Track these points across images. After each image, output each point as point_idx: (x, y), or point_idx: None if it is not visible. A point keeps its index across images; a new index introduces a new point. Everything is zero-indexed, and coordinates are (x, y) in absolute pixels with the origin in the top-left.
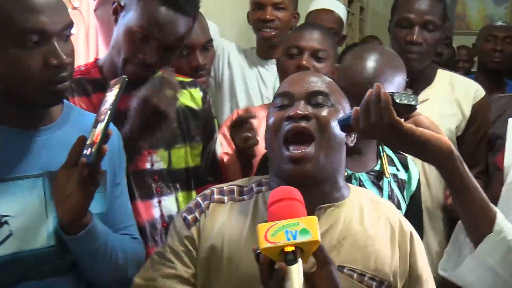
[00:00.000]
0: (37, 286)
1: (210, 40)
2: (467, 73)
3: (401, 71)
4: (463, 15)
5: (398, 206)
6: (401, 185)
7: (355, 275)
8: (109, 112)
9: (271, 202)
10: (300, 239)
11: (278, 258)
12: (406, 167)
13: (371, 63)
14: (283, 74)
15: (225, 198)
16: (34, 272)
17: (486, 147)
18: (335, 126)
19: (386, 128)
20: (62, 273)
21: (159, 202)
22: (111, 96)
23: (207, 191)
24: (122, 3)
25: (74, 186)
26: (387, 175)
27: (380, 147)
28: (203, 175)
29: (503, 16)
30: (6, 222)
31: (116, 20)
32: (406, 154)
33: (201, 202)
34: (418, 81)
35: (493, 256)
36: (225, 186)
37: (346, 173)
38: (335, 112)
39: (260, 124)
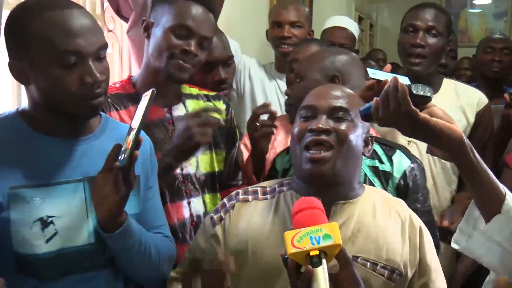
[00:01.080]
0: (79, 279)
1: (231, 56)
2: (469, 81)
3: None
4: (465, 29)
5: None
6: (384, 176)
7: (369, 264)
8: (140, 121)
9: (295, 212)
10: (324, 243)
11: (304, 261)
12: (390, 159)
13: None
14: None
15: (250, 197)
16: (77, 266)
17: (491, 150)
18: (353, 140)
19: (404, 117)
20: (101, 267)
21: (189, 203)
22: (142, 107)
23: (233, 193)
24: (152, 20)
25: (110, 189)
26: None
27: None
28: (227, 179)
29: (502, 30)
30: (52, 222)
31: (148, 36)
32: (396, 148)
33: (226, 203)
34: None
35: (501, 233)
36: (250, 187)
37: None
38: (354, 127)
39: (277, 133)
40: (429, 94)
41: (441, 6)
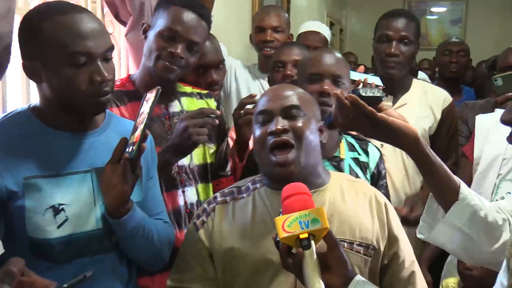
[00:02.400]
0: (88, 262)
1: (223, 60)
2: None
3: None
4: (425, 34)
5: None
6: (363, 166)
7: (346, 244)
8: (146, 117)
9: (284, 197)
10: (312, 227)
11: (294, 244)
12: (366, 152)
13: None
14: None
15: (227, 198)
16: (86, 250)
17: (456, 143)
18: (310, 133)
19: (363, 119)
20: (108, 251)
21: (183, 192)
22: (147, 104)
23: (211, 197)
24: (150, 24)
25: (118, 178)
26: (341, 156)
27: (339, 137)
28: (217, 170)
29: (458, 34)
30: (62, 209)
31: (146, 37)
32: (367, 141)
33: (206, 207)
34: (397, 88)
35: (460, 219)
36: (226, 189)
37: None
38: (308, 121)
39: None
40: (378, 94)
41: (410, 12)
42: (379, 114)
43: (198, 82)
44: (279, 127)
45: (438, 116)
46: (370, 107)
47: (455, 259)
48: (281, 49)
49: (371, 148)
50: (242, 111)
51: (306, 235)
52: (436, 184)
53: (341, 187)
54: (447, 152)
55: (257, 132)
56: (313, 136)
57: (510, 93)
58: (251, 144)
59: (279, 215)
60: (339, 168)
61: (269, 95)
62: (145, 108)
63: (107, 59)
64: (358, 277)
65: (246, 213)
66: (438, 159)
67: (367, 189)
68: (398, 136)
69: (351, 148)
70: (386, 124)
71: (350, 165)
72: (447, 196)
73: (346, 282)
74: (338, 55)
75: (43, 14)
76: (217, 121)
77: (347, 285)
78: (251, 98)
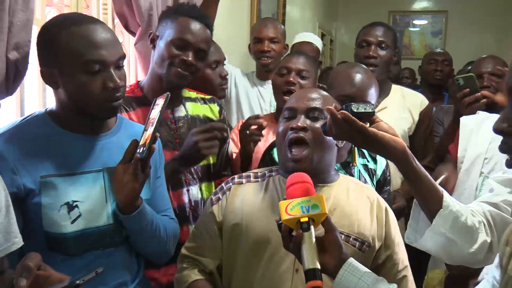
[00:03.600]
0: (100, 255)
1: (225, 58)
2: (408, 86)
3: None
4: (408, 45)
5: None
6: (371, 173)
7: (343, 236)
8: (156, 120)
9: (288, 185)
10: (312, 212)
11: (295, 227)
12: (374, 159)
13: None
14: (275, 88)
15: (243, 180)
16: (98, 244)
17: (432, 143)
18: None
19: (355, 133)
20: (118, 244)
21: (188, 190)
22: (157, 108)
23: (230, 178)
24: (157, 33)
25: (129, 177)
26: (354, 163)
27: (352, 145)
28: (219, 170)
29: (438, 45)
30: (76, 206)
31: (153, 47)
32: None
33: (223, 186)
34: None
35: (444, 225)
36: (244, 173)
37: None
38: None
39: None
40: (370, 110)
41: (388, 24)
42: (370, 129)
43: (212, 78)
44: (299, 124)
45: (416, 118)
46: (361, 123)
47: None
48: (291, 56)
49: (379, 157)
50: (247, 131)
51: (306, 219)
52: (421, 192)
53: (347, 188)
54: (424, 151)
55: (281, 126)
56: (330, 139)
57: (467, 90)
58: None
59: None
60: (349, 173)
61: (298, 95)
62: (155, 112)
63: (119, 66)
64: (351, 259)
65: (257, 194)
66: (424, 171)
67: (371, 194)
68: (387, 150)
69: (362, 155)
70: (376, 138)
71: (359, 171)
72: (432, 204)
73: (339, 263)
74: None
75: (60, 25)
76: (225, 134)
77: (340, 266)
78: (256, 120)
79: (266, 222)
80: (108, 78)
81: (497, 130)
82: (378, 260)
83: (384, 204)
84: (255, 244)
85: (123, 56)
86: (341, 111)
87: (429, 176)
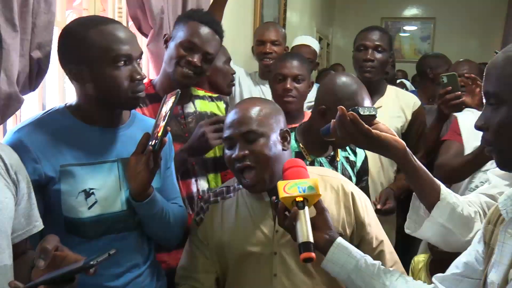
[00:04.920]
0: (114, 238)
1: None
2: (401, 87)
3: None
4: (399, 49)
5: (350, 179)
6: (352, 164)
7: None
8: (168, 115)
9: (285, 168)
10: (308, 192)
11: (290, 205)
12: (354, 152)
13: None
14: (275, 95)
15: (218, 198)
16: (112, 228)
17: (424, 140)
18: (269, 150)
19: (360, 136)
20: (131, 229)
21: (196, 180)
22: (168, 104)
23: (206, 196)
24: (171, 35)
25: (142, 167)
26: (337, 158)
27: None
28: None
29: (427, 49)
30: (93, 193)
31: (166, 47)
32: None
33: (203, 206)
34: (373, 93)
35: (442, 216)
36: (217, 189)
37: (310, 158)
38: (267, 139)
39: None
40: (374, 113)
41: (383, 28)
42: (374, 131)
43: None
44: (239, 154)
45: (409, 117)
46: (366, 126)
47: None
48: (284, 62)
49: (359, 149)
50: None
51: (301, 199)
52: (420, 187)
53: None
54: (416, 148)
55: (226, 154)
56: (273, 151)
57: (450, 87)
58: None
59: (269, 199)
60: (334, 167)
61: (231, 121)
62: (166, 107)
63: (139, 61)
64: (340, 239)
65: (231, 211)
66: (422, 167)
67: (334, 182)
68: (389, 150)
69: (343, 148)
70: (379, 140)
71: (342, 163)
72: (430, 197)
73: (330, 241)
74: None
75: (88, 25)
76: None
77: (331, 244)
78: None
79: (243, 236)
80: (134, 71)
81: (476, 126)
82: (353, 242)
83: (349, 188)
84: (238, 257)
85: (141, 52)
86: (351, 112)
87: (426, 170)
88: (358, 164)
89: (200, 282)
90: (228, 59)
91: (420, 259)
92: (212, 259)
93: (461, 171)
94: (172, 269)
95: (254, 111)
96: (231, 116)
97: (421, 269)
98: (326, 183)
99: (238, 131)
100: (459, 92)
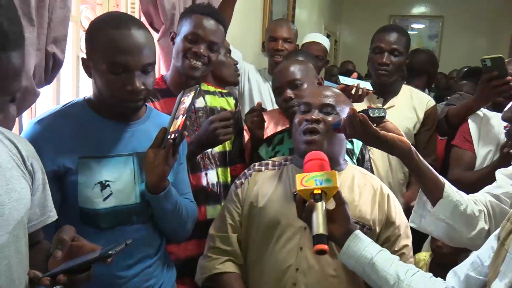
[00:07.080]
0: (128, 230)
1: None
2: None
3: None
4: None
5: None
6: (350, 153)
7: None
8: (187, 109)
9: (306, 161)
10: (325, 185)
11: (308, 197)
12: (351, 141)
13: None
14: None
15: (263, 168)
16: (126, 220)
17: (434, 141)
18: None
19: (368, 135)
20: (144, 221)
21: (206, 174)
22: (188, 99)
23: (252, 165)
24: (176, 32)
25: (159, 160)
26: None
27: None
28: (234, 157)
29: (434, 48)
30: (108, 185)
31: (173, 44)
32: None
33: (246, 172)
34: (387, 92)
35: (444, 212)
36: (264, 161)
37: None
38: (338, 118)
39: (268, 123)
40: (383, 114)
41: (402, 28)
42: (381, 132)
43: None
44: (313, 116)
45: (421, 117)
46: (375, 127)
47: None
48: (287, 67)
49: (355, 140)
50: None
51: (319, 191)
52: (424, 184)
53: (353, 176)
54: (427, 150)
55: (297, 117)
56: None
57: (496, 72)
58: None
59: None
60: None
61: (314, 92)
62: (186, 102)
63: (146, 72)
64: (358, 231)
65: (272, 182)
66: (426, 164)
67: (375, 182)
68: (394, 149)
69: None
70: (386, 139)
71: None
72: (434, 194)
73: (347, 233)
74: (335, 90)
75: (100, 25)
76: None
77: (347, 236)
78: (257, 106)
79: (277, 206)
80: (128, 81)
81: (504, 118)
82: (378, 241)
83: (386, 191)
84: (267, 224)
85: (151, 63)
86: (361, 113)
87: (431, 168)
88: (356, 151)
89: (230, 243)
90: (228, 50)
91: (421, 257)
92: (239, 223)
93: (480, 186)
94: (181, 260)
95: (336, 92)
96: (315, 89)
97: (422, 267)
98: (367, 180)
99: (318, 100)
100: (510, 77)
